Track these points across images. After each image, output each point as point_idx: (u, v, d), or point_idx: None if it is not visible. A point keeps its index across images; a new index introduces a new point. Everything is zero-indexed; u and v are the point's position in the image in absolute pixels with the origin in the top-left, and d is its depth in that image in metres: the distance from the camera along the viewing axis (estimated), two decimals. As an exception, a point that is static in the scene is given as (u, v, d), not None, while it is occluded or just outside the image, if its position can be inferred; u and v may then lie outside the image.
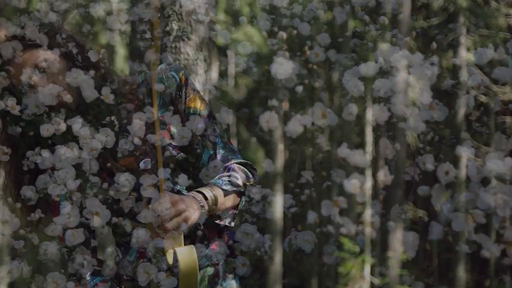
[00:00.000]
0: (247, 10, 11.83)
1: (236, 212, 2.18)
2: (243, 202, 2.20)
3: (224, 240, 2.23)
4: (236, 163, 2.23)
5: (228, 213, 2.17)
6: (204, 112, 2.20)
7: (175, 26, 3.34)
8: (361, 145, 10.88)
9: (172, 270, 2.06)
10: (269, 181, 9.77)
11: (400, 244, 7.64)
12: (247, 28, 12.16)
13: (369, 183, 11.03)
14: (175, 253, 2.02)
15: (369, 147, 11.10)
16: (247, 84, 13.12)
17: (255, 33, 12.30)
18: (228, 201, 2.14)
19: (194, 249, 2.03)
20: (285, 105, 12.26)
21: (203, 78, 3.42)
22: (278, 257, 10.23)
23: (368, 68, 1.98)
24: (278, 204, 9.86)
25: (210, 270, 2.20)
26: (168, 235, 1.98)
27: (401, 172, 8.43)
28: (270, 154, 11.05)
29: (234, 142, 12.80)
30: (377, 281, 6.03)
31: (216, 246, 2.20)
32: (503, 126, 11.06)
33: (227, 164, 2.21)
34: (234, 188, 2.15)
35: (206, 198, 2.07)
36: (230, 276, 2.24)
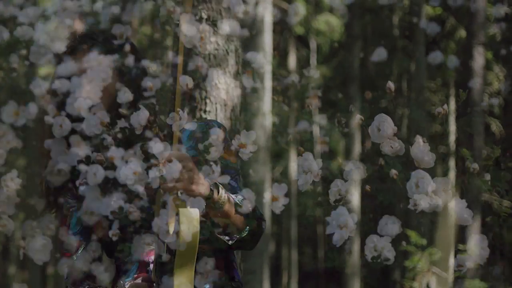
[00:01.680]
0: (327, -2, 11.70)
1: (238, 237, 2.10)
2: (246, 233, 2.12)
3: (230, 276, 2.18)
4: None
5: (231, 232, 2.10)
6: (234, 165, 2.19)
7: (204, 15, 3.24)
8: (443, 135, 10.64)
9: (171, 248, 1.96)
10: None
11: (477, 236, 7.40)
12: (328, 17, 12.02)
13: (452, 173, 10.77)
14: (177, 214, 1.89)
15: (452, 136, 10.83)
16: (326, 72, 12.99)
17: (336, 21, 12.15)
18: (232, 216, 2.06)
19: (198, 211, 1.90)
20: (368, 94, 12.10)
21: (234, 69, 3.30)
22: (356, 249, 10.12)
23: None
24: (355, 195, 9.74)
25: None
26: (172, 201, 1.88)
27: (479, 162, 8.22)
28: (349, 143, 10.93)
29: (316, 130, 12.74)
30: (445, 275, 5.86)
31: (219, 276, 2.10)
32: None
33: None
34: (244, 210, 2.01)
35: (218, 191, 2.00)
36: None
